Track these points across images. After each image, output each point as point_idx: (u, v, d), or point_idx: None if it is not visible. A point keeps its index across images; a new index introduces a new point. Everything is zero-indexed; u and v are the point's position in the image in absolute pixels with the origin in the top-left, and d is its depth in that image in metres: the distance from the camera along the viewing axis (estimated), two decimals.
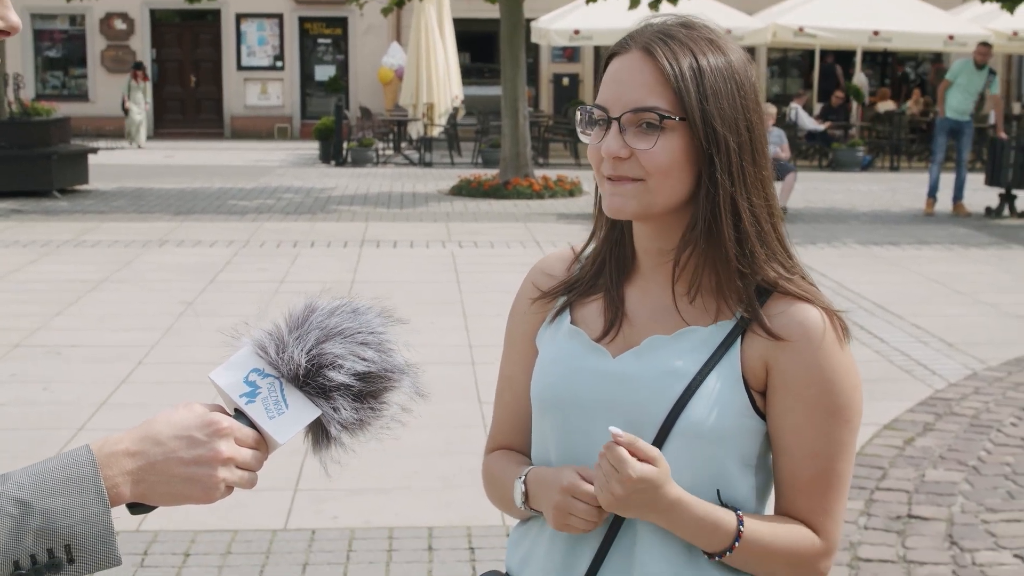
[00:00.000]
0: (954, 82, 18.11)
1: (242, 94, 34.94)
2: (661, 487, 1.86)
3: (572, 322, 2.10)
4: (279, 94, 35.04)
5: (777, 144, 17.35)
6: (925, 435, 7.14)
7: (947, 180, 18.94)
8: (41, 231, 15.20)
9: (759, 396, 1.97)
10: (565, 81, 34.13)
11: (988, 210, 18.20)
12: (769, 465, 2.03)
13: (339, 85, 34.27)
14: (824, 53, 30.08)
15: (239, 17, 34.71)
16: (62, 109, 23.12)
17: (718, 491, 1.96)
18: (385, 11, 21.64)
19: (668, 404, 1.94)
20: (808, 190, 20.75)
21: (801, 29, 26.28)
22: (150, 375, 8.33)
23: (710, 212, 1.93)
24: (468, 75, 31.90)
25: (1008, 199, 18.07)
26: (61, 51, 35.35)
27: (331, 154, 26.26)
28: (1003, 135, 18.78)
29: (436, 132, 27.09)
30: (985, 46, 18.42)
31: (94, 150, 21.35)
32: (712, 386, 1.94)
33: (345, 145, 26.22)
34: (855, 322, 10.05)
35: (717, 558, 1.95)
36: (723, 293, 1.97)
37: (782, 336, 1.94)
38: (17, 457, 6.20)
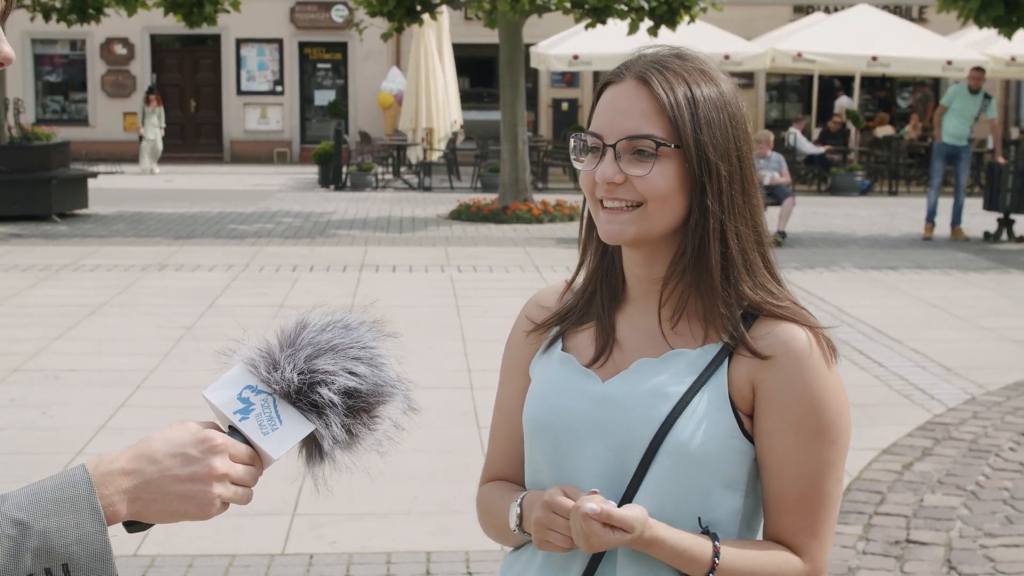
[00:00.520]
0: (949, 107, 18.19)
1: (242, 119, 35.00)
2: (636, 541, 1.90)
3: (563, 349, 2.13)
4: (279, 119, 35.11)
5: (776, 169, 17.38)
6: (923, 460, 7.14)
7: (945, 205, 18.96)
8: (41, 255, 15.22)
9: (747, 418, 1.99)
10: (564, 106, 34.20)
11: (986, 235, 18.22)
12: (758, 490, 2.04)
13: (339, 110, 34.31)
14: (824, 78, 30.17)
15: (239, 42, 34.79)
16: (62, 133, 23.16)
17: (699, 519, 1.97)
18: (385, 36, 21.66)
19: (655, 425, 1.97)
20: (807, 214, 20.78)
21: (800, 54, 26.36)
22: (149, 399, 8.33)
23: (699, 240, 1.97)
24: (467, 100, 31.99)
25: (1006, 224, 18.10)
26: (61, 76, 35.43)
27: (330, 178, 26.29)
28: (1001, 159, 18.79)
29: (435, 157, 27.13)
30: (978, 71, 18.47)
31: (94, 174, 21.39)
32: (698, 408, 1.96)
33: (344, 169, 26.26)
34: (853, 346, 10.06)
35: None
36: (710, 318, 2.00)
37: (767, 355, 1.96)
38: (17, 481, 6.19)
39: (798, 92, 35.97)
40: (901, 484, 6.67)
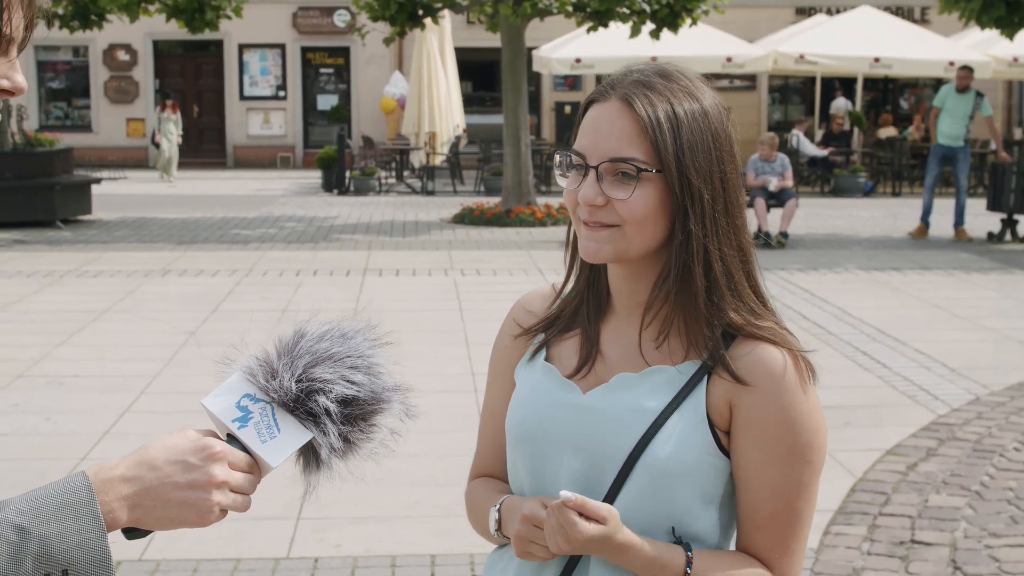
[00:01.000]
0: (942, 108, 18.27)
1: (245, 124, 35.04)
2: (609, 539, 1.90)
3: (547, 358, 2.15)
4: (281, 123, 35.14)
5: (780, 172, 17.37)
6: (928, 460, 7.13)
7: (944, 206, 18.96)
8: (44, 261, 15.23)
9: (724, 435, 2.00)
10: (567, 109, 34.21)
11: (990, 235, 18.21)
12: (735, 503, 2.06)
13: (341, 114, 34.37)
14: (826, 80, 30.18)
15: (241, 47, 34.82)
16: (65, 140, 23.21)
17: (672, 528, 1.99)
18: (387, 41, 21.67)
19: (632, 441, 1.98)
20: (810, 216, 20.78)
21: (802, 56, 26.35)
22: (152, 405, 8.34)
23: (682, 262, 1.98)
24: (470, 104, 32.00)
25: (1010, 224, 18.09)
26: (64, 82, 35.49)
27: (334, 183, 26.31)
28: (1004, 156, 18.80)
29: (438, 161, 27.14)
30: (965, 70, 18.54)
31: (97, 180, 21.41)
32: (676, 424, 1.98)
33: (348, 174, 26.28)
34: (857, 347, 10.06)
35: None
36: (691, 336, 2.01)
37: (745, 378, 1.97)
38: (19, 487, 6.18)
39: (800, 94, 35.98)
40: (906, 485, 6.67)
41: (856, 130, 28.78)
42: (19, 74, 1.69)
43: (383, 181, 27.03)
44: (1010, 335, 10.90)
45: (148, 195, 25.64)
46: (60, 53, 35.11)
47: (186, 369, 9.31)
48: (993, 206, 18.35)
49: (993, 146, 27.10)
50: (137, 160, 34.27)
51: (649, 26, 19.77)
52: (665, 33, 19.87)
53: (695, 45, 24.57)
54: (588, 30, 20.73)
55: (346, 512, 6.23)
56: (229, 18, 21.38)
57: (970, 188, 26.60)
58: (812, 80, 30.25)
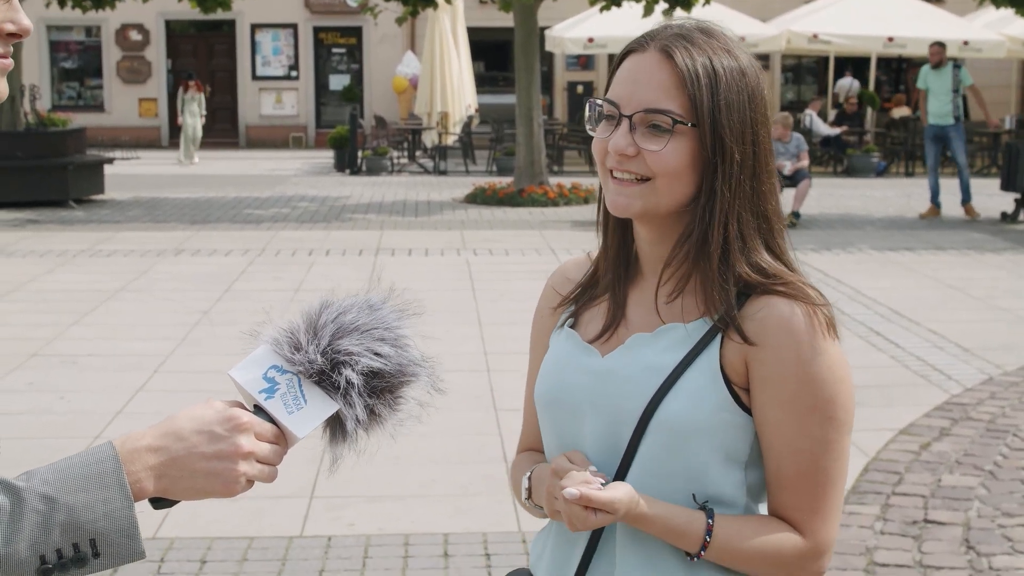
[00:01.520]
0: (927, 89, 18.32)
1: (257, 104, 35.03)
2: (624, 516, 1.90)
3: (573, 325, 2.14)
4: (294, 103, 35.12)
5: (795, 154, 17.30)
6: (941, 440, 7.12)
7: (950, 186, 18.95)
8: (57, 241, 15.25)
9: (744, 392, 1.97)
10: (580, 89, 34.15)
11: (1003, 215, 18.15)
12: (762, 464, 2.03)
13: (354, 94, 34.34)
14: (840, 59, 30.08)
15: (254, 27, 34.80)
16: (78, 120, 23.22)
17: (694, 496, 1.97)
18: (399, 20, 21.65)
19: (645, 399, 1.96)
20: (823, 196, 20.73)
21: (815, 36, 26.26)
22: (166, 384, 8.35)
23: (707, 220, 1.95)
24: (482, 83, 31.95)
25: (1023, 204, 18.02)
26: (77, 62, 35.49)
27: (346, 163, 26.29)
28: (994, 122, 18.86)
29: (451, 140, 27.11)
30: (936, 46, 18.61)
31: (110, 160, 21.42)
32: (690, 381, 1.95)
33: (360, 154, 26.26)
34: (870, 327, 10.05)
35: (694, 558, 1.96)
36: (707, 295, 1.99)
37: (756, 336, 1.94)
38: (34, 465, 6.20)
39: (813, 74, 35.87)
40: (919, 464, 6.67)
41: (869, 110, 28.68)
42: (23, 16, 1.68)
43: (395, 161, 27.02)
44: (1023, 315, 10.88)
45: (161, 175, 25.66)
46: (73, 33, 35.11)
47: (199, 348, 9.33)
48: (1007, 186, 18.28)
49: (1008, 124, 27.11)
50: (150, 140, 34.30)
51: (662, 5, 19.69)
52: (678, 12, 19.78)
53: None
54: (601, 9, 20.67)
55: (360, 491, 6.24)
56: None
57: (984, 168, 26.58)
58: (825, 60, 30.16)
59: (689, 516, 1.94)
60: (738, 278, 1.97)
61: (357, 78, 35.16)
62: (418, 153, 27.96)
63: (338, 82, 35.31)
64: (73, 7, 21.48)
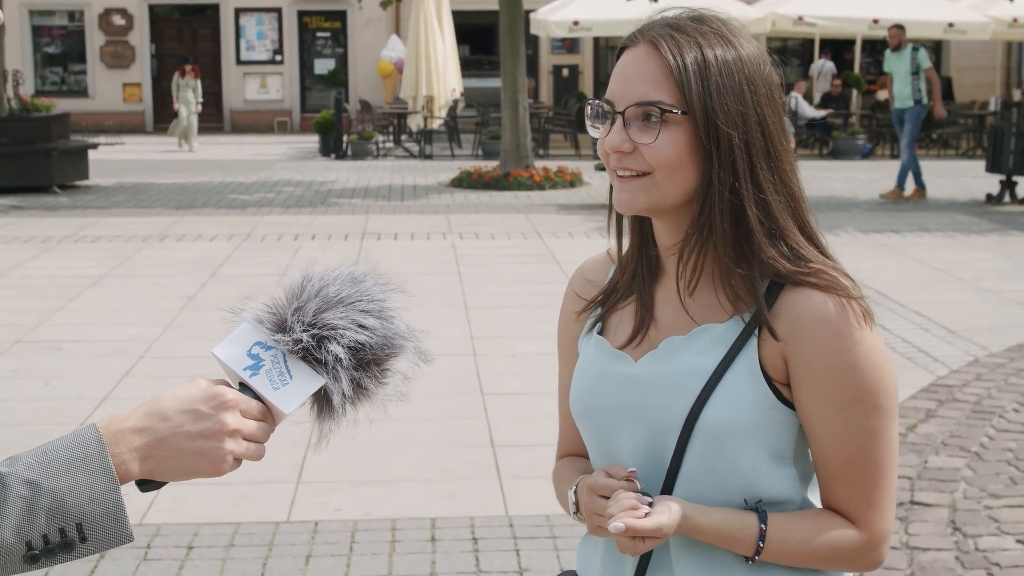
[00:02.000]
0: (891, 72, 18.45)
1: (242, 88, 34.94)
2: (666, 533, 1.88)
3: (601, 331, 2.10)
4: (279, 88, 35.04)
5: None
6: (927, 422, 7.14)
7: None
8: (42, 227, 15.20)
9: (785, 388, 1.94)
10: (565, 72, 34.11)
11: (989, 196, 18.18)
12: (808, 452, 2.00)
13: (339, 78, 34.26)
14: (823, 42, 30.07)
15: (238, 11, 34.69)
16: (62, 105, 23.11)
17: (745, 500, 1.94)
18: (384, 4, 21.61)
19: (688, 404, 1.93)
20: (808, 178, 20.46)
21: (800, 18, 26.24)
22: (152, 369, 8.33)
23: (707, 209, 1.92)
24: (467, 67, 31.89)
25: (1009, 186, 18.04)
26: (60, 47, 35.34)
27: (331, 147, 26.24)
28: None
29: (436, 124, 27.07)
30: (894, 28, 18.70)
31: (94, 145, 21.34)
32: (730, 383, 1.92)
33: (345, 138, 26.21)
34: None
35: (751, 561, 1.94)
36: (736, 291, 1.95)
37: (791, 330, 1.91)
38: (19, 452, 6.19)
39: (799, 56, 35.85)
40: (905, 446, 6.67)
41: (855, 92, 28.69)
42: None
43: (381, 145, 26.98)
44: (1009, 296, 10.89)
45: (145, 160, 25.58)
46: (55, 18, 34.97)
47: (185, 333, 9.31)
48: (992, 168, 18.31)
49: (992, 106, 27.12)
50: (134, 125, 34.19)
51: None
52: None
53: (693, 6, 24.43)
54: None
55: (347, 475, 6.23)
56: None
57: (969, 150, 26.62)
58: (811, 42, 30.14)
59: (741, 521, 1.92)
60: (767, 268, 1.93)
61: (342, 62, 35.08)
62: (403, 137, 27.92)
63: (323, 66, 35.23)
64: None
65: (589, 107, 2.00)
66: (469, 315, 9.97)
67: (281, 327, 1.75)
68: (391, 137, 27.85)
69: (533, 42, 32.15)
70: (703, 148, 1.90)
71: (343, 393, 1.75)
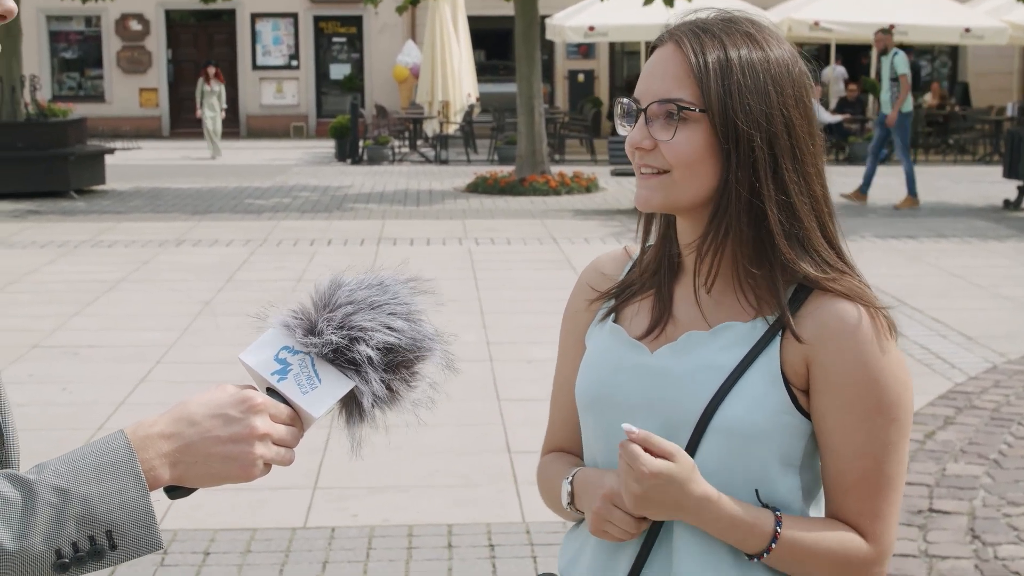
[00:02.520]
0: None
1: (258, 93, 35.00)
2: (683, 483, 1.84)
3: (616, 320, 2.08)
4: (294, 93, 35.08)
5: None
6: (946, 429, 7.11)
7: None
8: (58, 232, 15.23)
9: (802, 394, 1.93)
10: (580, 77, 34.08)
11: (1006, 202, 18.12)
12: (817, 466, 1.99)
13: (354, 83, 34.30)
14: (839, 47, 30.01)
15: (254, 17, 34.76)
16: (78, 110, 23.16)
17: (756, 491, 1.93)
18: (400, 9, 21.63)
19: (704, 401, 1.92)
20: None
21: (816, 23, 26.20)
22: (168, 375, 8.34)
23: (730, 208, 1.91)
24: (483, 72, 31.90)
25: None
26: (77, 52, 35.44)
27: (347, 152, 26.27)
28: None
29: (452, 129, 27.09)
30: (880, 33, 18.61)
31: (111, 150, 21.40)
32: (749, 383, 1.91)
33: (361, 143, 26.23)
34: None
35: (756, 559, 1.92)
36: (760, 292, 1.95)
37: (816, 336, 1.91)
38: (36, 457, 6.16)
39: (815, 61, 35.76)
40: (923, 453, 6.65)
41: (871, 97, 28.62)
42: None
43: (396, 150, 26.99)
44: None
45: (161, 165, 25.63)
46: (72, 23, 35.07)
47: (201, 339, 9.31)
48: (1009, 173, 18.25)
49: (1010, 111, 27.02)
50: (151, 130, 34.27)
51: None
52: (679, 1, 19.73)
53: None
54: None
55: (363, 482, 6.23)
56: None
57: (986, 155, 26.55)
58: (827, 47, 30.06)
59: (757, 516, 1.90)
60: (791, 271, 1.93)
61: (358, 67, 35.12)
62: (419, 142, 27.93)
63: (339, 71, 35.27)
64: None
65: (618, 106, 2.00)
66: (485, 320, 9.96)
67: (311, 330, 1.74)
68: (407, 142, 27.87)
69: (549, 47, 32.14)
70: (722, 147, 1.90)
71: (374, 395, 1.74)
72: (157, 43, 34.73)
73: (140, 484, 1.59)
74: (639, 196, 1.97)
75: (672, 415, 1.95)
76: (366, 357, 1.72)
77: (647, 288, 2.08)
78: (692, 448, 1.92)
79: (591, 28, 25.95)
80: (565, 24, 26.44)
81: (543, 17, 22.87)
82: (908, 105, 18.18)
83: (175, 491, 1.68)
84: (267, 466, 1.70)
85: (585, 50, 34.31)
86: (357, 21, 34.86)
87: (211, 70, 27.95)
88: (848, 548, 1.92)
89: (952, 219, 16.77)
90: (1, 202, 18.28)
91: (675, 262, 2.06)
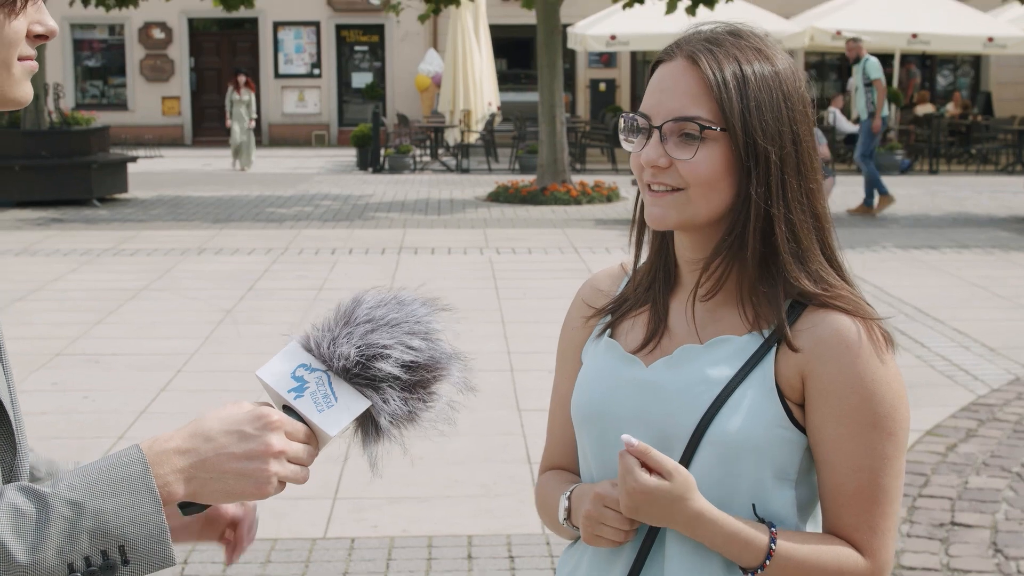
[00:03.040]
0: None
1: (280, 102, 35.07)
2: (676, 501, 1.84)
3: (612, 335, 2.08)
4: (316, 101, 35.16)
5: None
6: (968, 441, 7.08)
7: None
8: (81, 240, 15.28)
9: (797, 408, 1.93)
10: (602, 86, 34.09)
11: None
12: (813, 480, 1.98)
13: (376, 92, 34.35)
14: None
15: (276, 25, 34.85)
16: (101, 118, 23.26)
17: (753, 505, 1.92)
18: (422, 18, 21.66)
19: (698, 414, 1.92)
20: (847, 194, 20.63)
21: (839, 32, 26.12)
22: (190, 383, 8.36)
23: (741, 225, 1.91)
24: (505, 81, 31.95)
25: None
26: (100, 60, 35.59)
27: (368, 161, 26.31)
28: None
29: (473, 138, 27.12)
30: (850, 42, 18.62)
31: (133, 159, 21.47)
32: (744, 396, 1.91)
33: (382, 152, 26.28)
34: (895, 327, 9.93)
35: (751, 574, 1.91)
36: (757, 306, 1.94)
37: (813, 349, 1.90)
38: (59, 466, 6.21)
39: (837, 71, 35.72)
40: (945, 466, 6.62)
41: (893, 107, 28.56)
42: (49, 18, 1.68)
43: (418, 159, 27.03)
44: None
45: (183, 173, 25.71)
46: (96, 32, 35.21)
47: (223, 347, 9.33)
48: None
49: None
50: (173, 138, 34.39)
51: (685, 2, 19.66)
52: (701, 9, 19.74)
53: (731, 21, 24.39)
54: (623, 6, 20.65)
55: (383, 492, 6.23)
56: None
57: (1008, 165, 26.46)
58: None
59: (753, 528, 1.89)
60: (792, 287, 1.93)
61: (379, 76, 35.18)
62: (440, 151, 27.96)
63: (360, 80, 35.33)
64: (96, 5, 21.53)
65: (623, 120, 1.99)
66: (506, 330, 9.96)
67: (330, 348, 1.74)
68: (428, 151, 27.91)
69: (570, 56, 32.17)
70: (741, 165, 1.89)
71: (390, 415, 1.74)
72: (180, 51, 34.86)
73: (154, 499, 1.59)
74: (652, 215, 1.96)
75: (666, 429, 1.94)
76: (383, 375, 1.73)
77: (643, 302, 2.08)
78: (686, 461, 1.92)
79: (613, 37, 25.97)
80: (587, 33, 26.45)
81: (565, 26, 22.89)
82: (884, 110, 18.20)
83: (189, 507, 1.69)
84: (282, 484, 1.70)
85: (607, 59, 34.33)
86: (379, 30, 34.93)
87: (241, 78, 27.52)
88: (844, 563, 1.91)
89: (974, 229, 16.71)
90: (24, 210, 18.36)
91: (671, 276, 2.06)
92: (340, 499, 6.17)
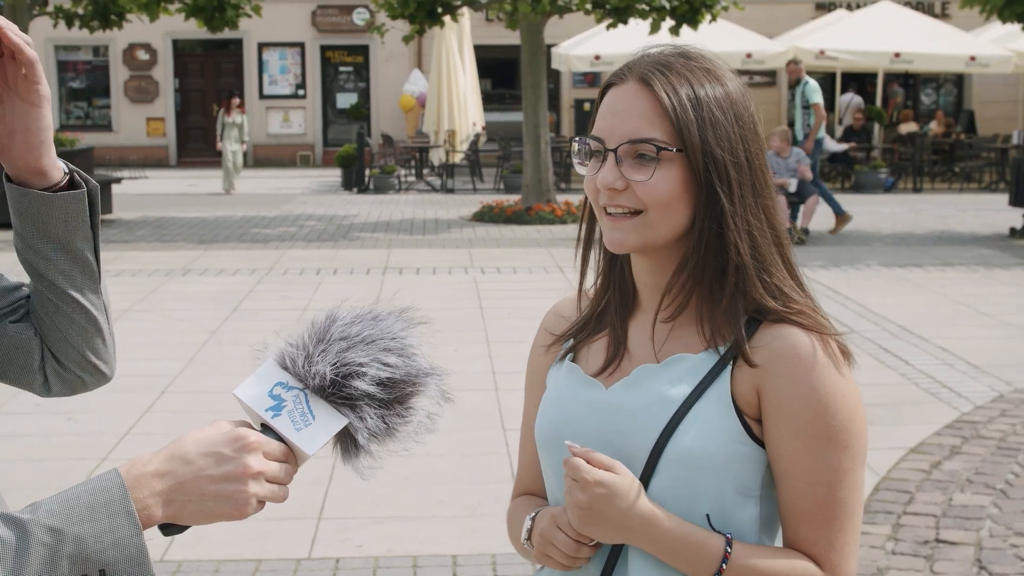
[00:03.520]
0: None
1: (264, 122, 35.07)
2: (627, 495, 1.85)
3: (574, 359, 2.09)
4: (301, 122, 35.16)
5: (795, 168, 17.17)
6: (952, 458, 7.09)
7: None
8: None
9: (756, 424, 1.93)
10: (586, 106, 34.13)
11: (1012, 231, 18.12)
12: (775, 497, 1.98)
13: (361, 112, 34.37)
14: (845, 75, 30.06)
15: (261, 46, 34.86)
16: (86, 139, 23.24)
17: (707, 516, 1.92)
18: (406, 39, 21.68)
19: (656, 432, 1.92)
20: (831, 212, 20.69)
21: (822, 52, 26.27)
22: (174, 404, 8.34)
23: (702, 246, 1.92)
24: (489, 101, 31.99)
25: None
26: (84, 82, 35.56)
27: (353, 181, 26.32)
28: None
29: (458, 158, 27.14)
30: (791, 64, 18.91)
31: (118, 180, 21.46)
32: (701, 413, 1.91)
33: (367, 172, 26.29)
34: (879, 345, 10.01)
35: None
36: (714, 323, 1.95)
37: (768, 363, 1.91)
38: (42, 488, 6.20)
39: (821, 90, 35.84)
40: (930, 483, 6.63)
41: (876, 126, 28.67)
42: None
43: (403, 179, 27.04)
44: None
45: (168, 194, 25.68)
46: (80, 53, 35.19)
47: (207, 368, 9.31)
48: (1015, 201, 18.25)
49: (1016, 140, 27.03)
50: (157, 159, 34.35)
51: (669, 22, 19.73)
52: (685, 30, 19.81)
53: (714, 41, 24.44)
54: (607, 27, 20.69)
55: (368, 512, 6.22)
56: (249, 16, 21.44)
57: (991, 184, 26.57)
58: (832, 76, 30.14)
59: (705, 539, 1.89)
60: (751, 303, 1.93)
61: (364, 96, 35.21)
62: (425, 171, 27.99)
63: (345, 100, 35.36)
64: (80, 27, 21.53)
65: (576, 144, 1.99)
66: (491, 350, 9.96)
67: (305, 366, 1.74)
68: (413, 171, 27.93)
69: (555, 76, 32.24)
70: (698, 185, 1.90)
71: (368, 431, 1.74)
72: (164, 72, 34.85)
73: (134, 523, 1.59)
74: (611, 239, 1.96)
75: (625, 448, 1.94)
76: (361, 393, 1.73)
77: (604, 326, 2.09)
78: (646, 479, 1.92)
79: (597, 57, 26.02)
80: (571, 53, 26.51)
81: (549, 46, 22.95)
82: (820, 132, 18.49)
83: (169, 528, 1.69)
84: (260, 504, 1.70)
85: (591, 79, 34.41)
86: (364, 51, 34.97)
87: (234, 100, 27.40)
88: (801, 575, 1.91)
89: (958, 247, 16.76)
90: (8, 231, 18.28)
91: (628, 299, 2.07)
92: (325, 519, 6.16)
